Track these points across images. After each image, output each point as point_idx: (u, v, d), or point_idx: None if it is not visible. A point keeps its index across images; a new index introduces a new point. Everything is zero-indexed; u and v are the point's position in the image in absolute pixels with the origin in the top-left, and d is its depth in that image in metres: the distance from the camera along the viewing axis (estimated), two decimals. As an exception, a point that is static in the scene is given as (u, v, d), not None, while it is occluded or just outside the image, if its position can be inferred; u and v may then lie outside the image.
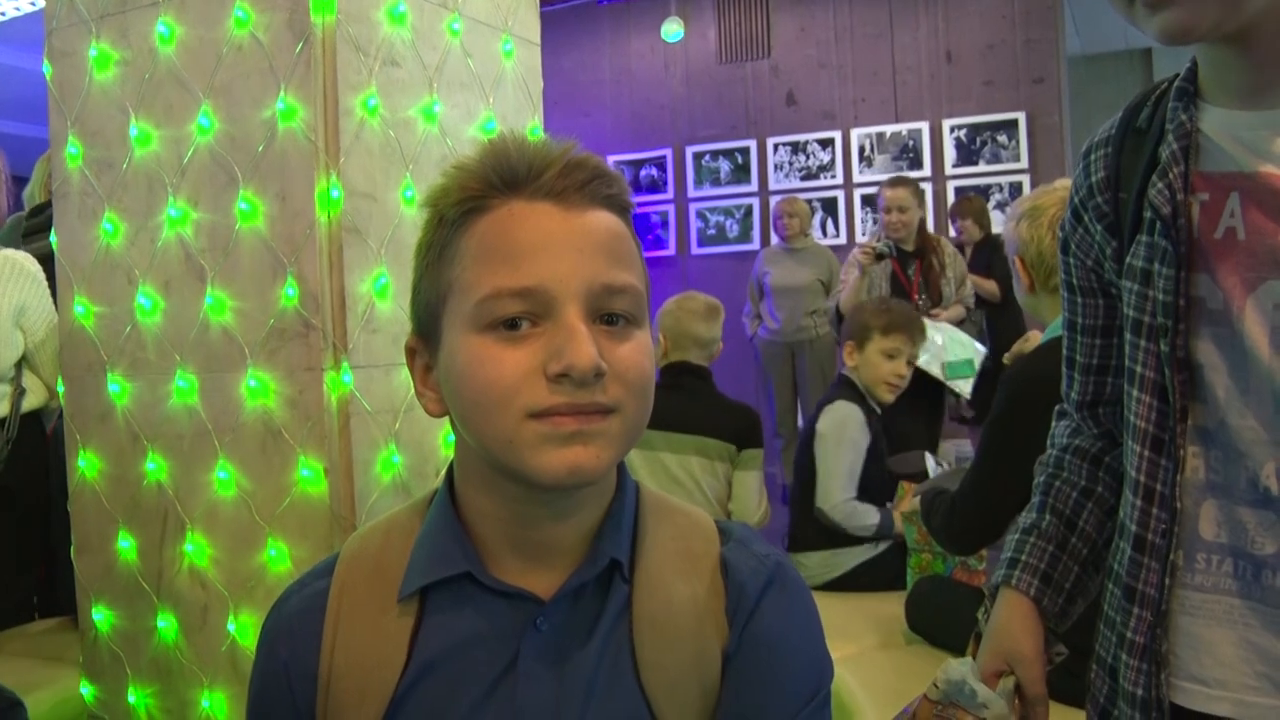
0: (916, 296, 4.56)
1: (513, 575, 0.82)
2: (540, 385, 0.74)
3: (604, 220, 0.79)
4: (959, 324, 4.49)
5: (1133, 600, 0.96)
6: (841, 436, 2.84)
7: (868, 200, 6.80)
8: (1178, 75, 0.94)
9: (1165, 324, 0.91)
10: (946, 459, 4.04)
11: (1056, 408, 1.24)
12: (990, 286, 5.18)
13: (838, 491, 2.79)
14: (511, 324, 0.75)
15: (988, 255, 5.34)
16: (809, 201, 6.36)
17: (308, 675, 0.85)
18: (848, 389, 2.96)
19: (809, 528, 2.85)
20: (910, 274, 4.63)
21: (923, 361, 3.51)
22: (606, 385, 0.75)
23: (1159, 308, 0.92)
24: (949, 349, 3.92)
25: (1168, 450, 0.93)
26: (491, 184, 0.78)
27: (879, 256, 4.46)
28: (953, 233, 5.78)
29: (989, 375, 5.21)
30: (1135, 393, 0.96)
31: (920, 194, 4.71)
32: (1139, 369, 0.95)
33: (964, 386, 3.91)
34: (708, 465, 2.84)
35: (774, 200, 6.97)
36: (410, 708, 0.81)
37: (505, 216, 0.77)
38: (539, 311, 0.75)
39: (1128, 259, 0.95)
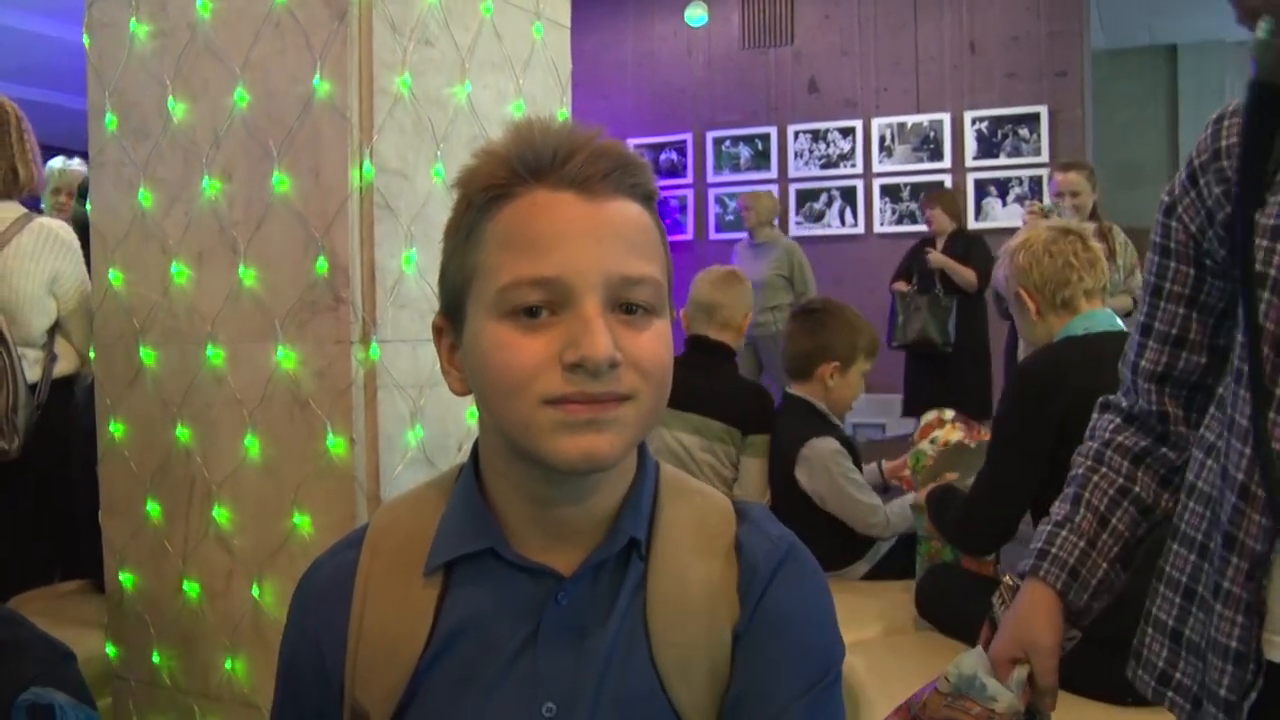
0: None
1: (535, 552, 0.84)
2: (555, 373, 0.76)
3: (626, 210, 0.80)
4: (1125, 315, 4.36)
5: (1232, 550, 0.94)
6: (839, 476, 2.64)
7: (887, 190, 6.80)
8: None
9: None
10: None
11: (1100, 399, 1.25)
12: (969, 275, 5.18)
13: (869, 513, 2.64)
14: (531, 312, 0.76)
15: (964, 246, 5.32)
16: (828, 190, 6.35)
17: (337, 642, 0.87)
18: (811, 417, 2.72)
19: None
20: None
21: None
22: (622, 374, 0.77)
23: None
24: None
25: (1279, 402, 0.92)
26: (516, 171, 0.79)
27: (1045, 216, 4.18)
28: (922, 225, 5.74)
29: (968, 363, 5.23)
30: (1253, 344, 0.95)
31: (1094, 177, 4.44)
32: (1261, 321, 0.93)
33: None
34: (705, 444, 2.71)
35: (794, 187, 6.96)
36: (435, 676, 0.83)
37: (529, 205, 0.78)
38: (558, 300, 0.76)
39: (1259, 218, 0.95)
